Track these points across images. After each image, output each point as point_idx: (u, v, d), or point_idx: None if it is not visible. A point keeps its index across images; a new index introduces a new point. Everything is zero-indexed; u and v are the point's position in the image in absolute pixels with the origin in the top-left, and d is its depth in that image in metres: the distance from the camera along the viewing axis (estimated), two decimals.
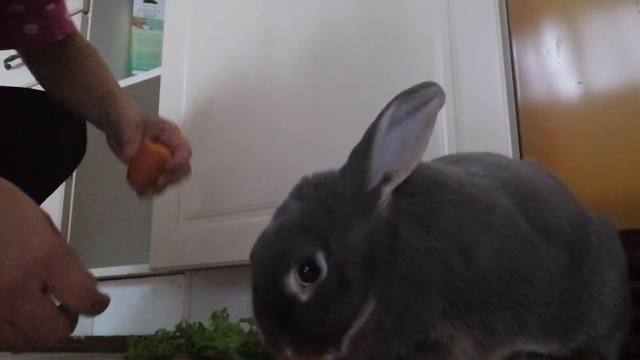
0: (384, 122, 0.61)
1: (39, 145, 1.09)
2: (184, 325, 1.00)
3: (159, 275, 1.81)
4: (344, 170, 0.64)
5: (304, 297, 0.59)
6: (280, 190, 0.73)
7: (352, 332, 0.60)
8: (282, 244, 0.61)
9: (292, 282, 0.59)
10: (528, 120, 1.17)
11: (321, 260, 0.59)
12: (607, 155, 1.09)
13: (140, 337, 0.93)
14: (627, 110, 1.09)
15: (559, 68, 1.17)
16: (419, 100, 0.62)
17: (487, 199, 0.68)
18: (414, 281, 0.61)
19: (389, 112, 0.61)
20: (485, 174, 0.73)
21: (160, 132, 1.01)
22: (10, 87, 1.15)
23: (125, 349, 1.01)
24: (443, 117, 1.18)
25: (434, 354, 0.65)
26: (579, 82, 1.14)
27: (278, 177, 1.40)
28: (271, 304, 0.60)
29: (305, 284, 0.59)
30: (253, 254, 0.64)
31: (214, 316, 0.97)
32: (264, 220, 0.67)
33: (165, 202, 1.61)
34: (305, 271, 0.59)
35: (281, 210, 0.66)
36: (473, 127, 1.15)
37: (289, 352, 0.60)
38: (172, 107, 1.66)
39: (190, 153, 1.03)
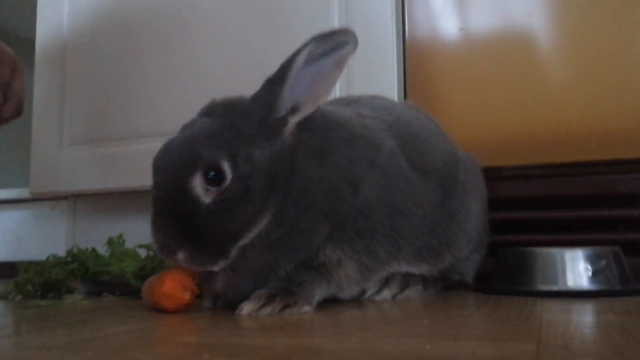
0: (301, 58, 0.67)
1: None
2: (75, 250, 1.00)
3: (40, 200, 1.75)
4: (255, 96, 0.70)
5: (207, 199, 0.64)
6: (172, 119, 0.75)
7: (242, 242, 0.67)
8: (189, 149, 0.66)
9: (198, 185, 0.64)
10: (414, 62, 1.25)
11: (226, 166, 0.65)
12: (482, 98, 1.20)
13: (30, 262, 0.92)
14: (502, 57, 1.20)
15: (444, 13, 1.25)
16: (335, 42, 0.69)
17: (375, 139, 0.77)
18: (305, 203, 0.69)
19: (307, 49, 0.67)
20: (374, 116, 0.82)
21: None
22: None
23: (10, 275, 1.00)
24: None
25: (318, 274, 0.73)
26: (461, 29, 1.23)
27: (170, 104, 1.39)
28: (173, 206, 0.65)
29: (209, 187, 0.64)
30: (157, 160, 0.68)
31: (110, 242, 0.98)
32: (153, 147, 0.69)
33: (46, 126, 1.53)
34: (211, 175, 0.64)
35: (188, 125, 0.71)
36: (363, 67, 1.21)
37: (181, 256, 0.65)
38: (52, 23, 1.55)
39: (21, 107, 1.07)
